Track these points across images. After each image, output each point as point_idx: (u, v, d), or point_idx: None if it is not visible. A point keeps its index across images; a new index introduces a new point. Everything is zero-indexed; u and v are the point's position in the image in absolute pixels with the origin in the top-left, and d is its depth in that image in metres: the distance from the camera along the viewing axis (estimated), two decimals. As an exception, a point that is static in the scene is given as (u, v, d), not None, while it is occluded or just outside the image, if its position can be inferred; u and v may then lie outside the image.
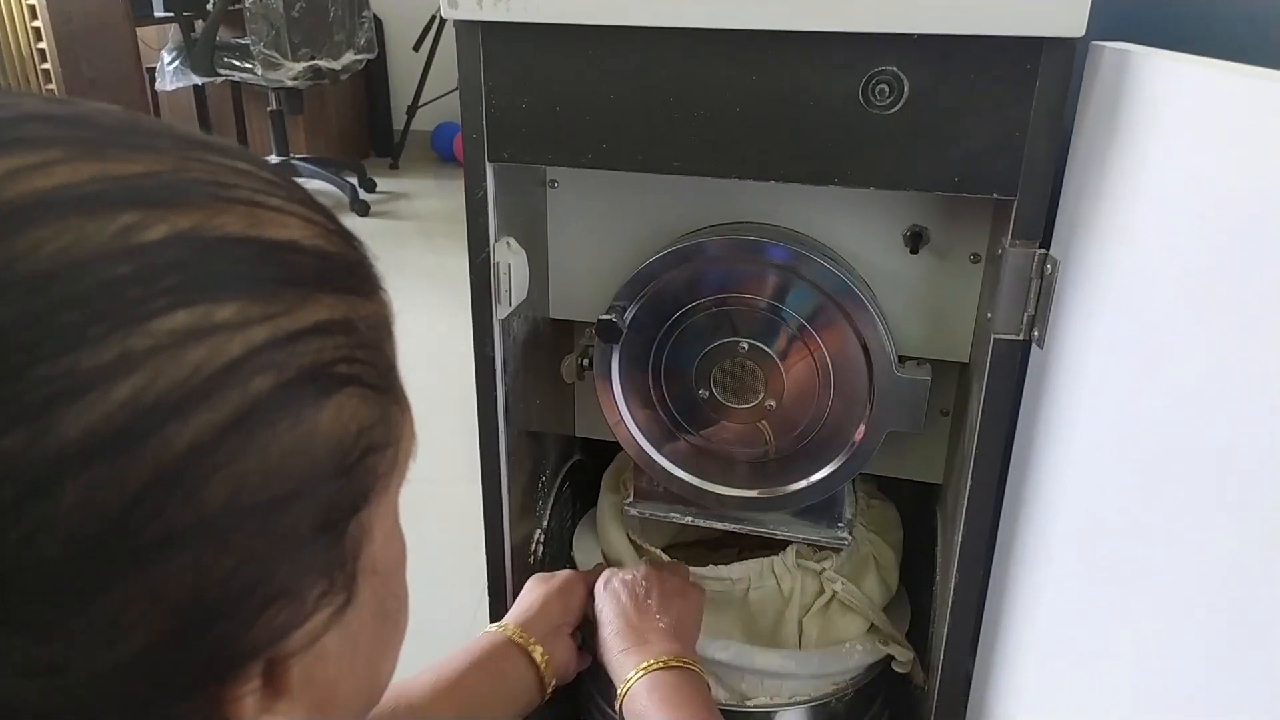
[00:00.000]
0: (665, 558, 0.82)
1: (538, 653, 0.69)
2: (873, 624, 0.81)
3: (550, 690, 0.70)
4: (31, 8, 3.02)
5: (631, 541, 0.85)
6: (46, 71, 3.17)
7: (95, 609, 0.22)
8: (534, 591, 0.75)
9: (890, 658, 0.80)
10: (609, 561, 0.86)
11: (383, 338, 0.30)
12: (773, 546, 0.83)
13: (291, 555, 0.25)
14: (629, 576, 0.75)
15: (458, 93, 0.66)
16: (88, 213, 0.22)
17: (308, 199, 0.29)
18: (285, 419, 0.24)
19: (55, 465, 0.21)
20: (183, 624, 0.23)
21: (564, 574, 0.77)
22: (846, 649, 0.79)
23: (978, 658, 0.74)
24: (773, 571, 0.81)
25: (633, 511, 0.83)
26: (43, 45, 3.06)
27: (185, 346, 0.22)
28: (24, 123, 0.24)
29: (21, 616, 0.21)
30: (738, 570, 0.81)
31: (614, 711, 0.84)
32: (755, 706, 0.79)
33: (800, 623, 0.81)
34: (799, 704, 0.79)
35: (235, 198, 0.26)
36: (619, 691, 0.66)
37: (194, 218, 0.24)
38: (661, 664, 0.66)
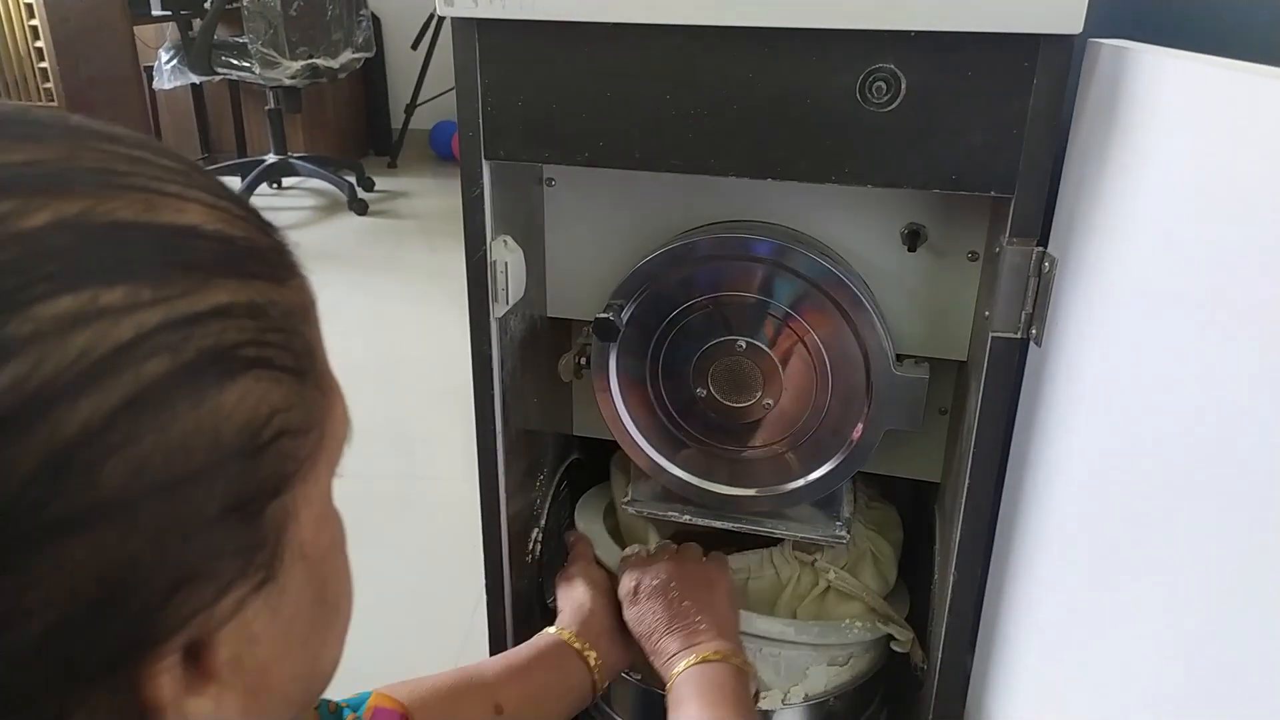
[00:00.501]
0: (673, 546, 0.81)
1: (592, 657, 0.72)
2: (872, 609, 0.81)
3: (602, 691, 0.73)
4: (29, 7, 3.02)
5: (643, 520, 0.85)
6: (44, 70, 3.16)
7: None
8: (585, 593, 0.77)
9: (890, 638, 0.80)
10: (624, 538, 0.87)
11: (299, 323, 0.29)
12: (771, 543, 0.83)
13: (200, 536, 0.25)
14: (655, 582, 0.75)
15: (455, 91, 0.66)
16: None
17: (215, 186, 0.29)
18: (184, 400, 0.24)
19: None
20: (89, 605, 0.23)
21: (593, 577, 0.79)
22: (845, 625, 0.79)
23: (976, 655, 0.74)
24: (772, 562, 0.82)
25: (630, 510, 0.83)
26: (40, 44, 3.05)
27: (70, 331, 0.22)
28: None
29: None
30: (738, 560, 0.81)
31: (609, 709, 0.84)
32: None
33: (795, 612, 0.81)
34: (797, 704, 0.79)
35: (128, 184, 0.25)
36: (667, 688, 0.69)
37: (80, 204, 0.24)
38: (701, 659, 0.68)
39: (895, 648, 0.80)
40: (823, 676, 0.80)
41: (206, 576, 0.26)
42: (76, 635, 0.23)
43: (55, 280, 0.22)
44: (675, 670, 0.68)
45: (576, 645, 0.72)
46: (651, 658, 0.73)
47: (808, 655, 0.79)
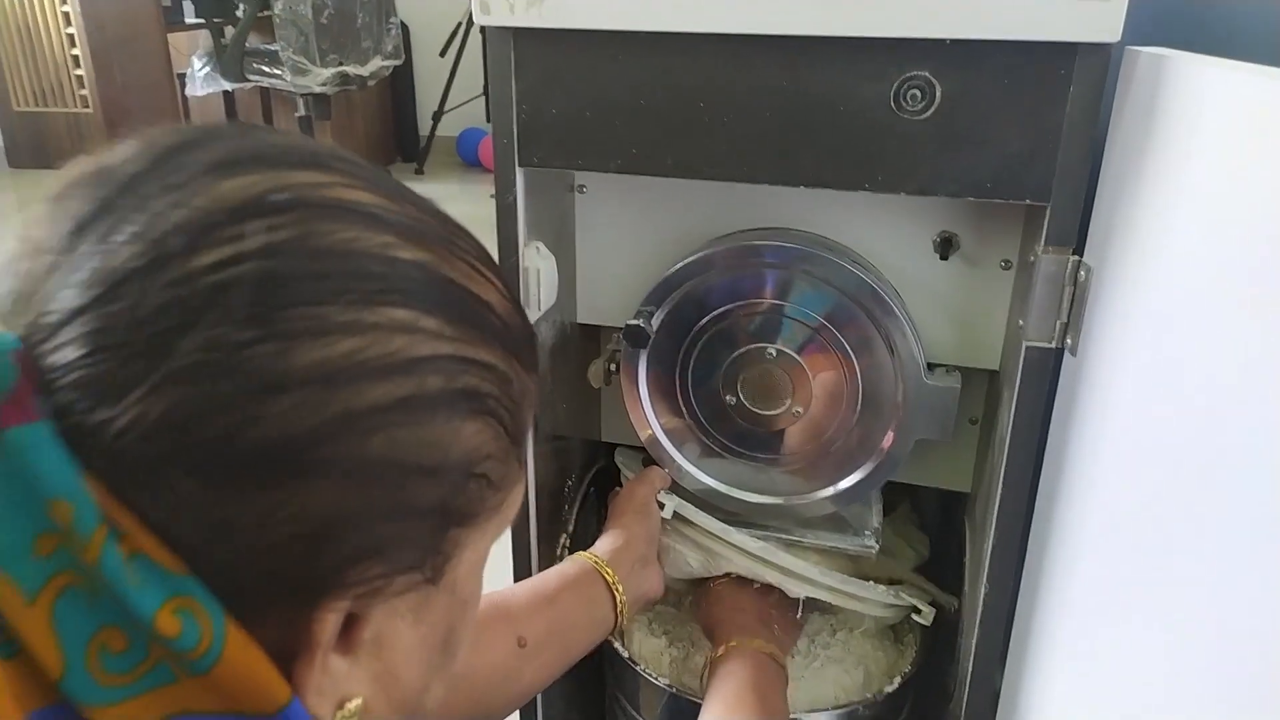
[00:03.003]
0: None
1: (619, 590, 0.72)
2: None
3: (622, 625, 0.73)
4: (66, 15, 3.07)
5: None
6: (80, 77, 3.22)
7: (264, 495, 0.27)
8: (632, 519, 0.77)
9: (915, 609, 0.79)
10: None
11: (525, 405, 0.36)
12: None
13: (406, 520, 0.31)
14: (755, 585, 0.78)
15: (482, 98, 0.67)
16: (367, 225, 0.31)
17: (507, 282, 0.37)
18: (441, 414, 0.31)
19: (286, 377, 0.27)
20: (310, 535, 0.28)
21: (640, 497, 0.79)
22: (870, 584, 0.79)
23: (1006, 670, 0.73)
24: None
25: (662, 514, 0.83)
26: (76, 51, 3.11)
27: (396, 333, 0.30)
28: (335, 158, 0.33)
29: (217, 477, 0.27)
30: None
31: (636, 712, 0.84)
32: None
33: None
34: (824, 710, 0.79)
35: (462, 257, 0.34)
36: (712, 654, 0.72)
37: (433, 255, 0.32)
38: (757, 648, 0.71)
39: (919, 619, 0.79)
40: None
41: (394, 555, 0.31)
42: (293, 555, 0.28)
43: (402, 296, 0.30)
44: (731, 643, 0.71)
45: (607, 575, 0.72)
46: (714, 627, 0.76)
47: (826, 593, 0.78)
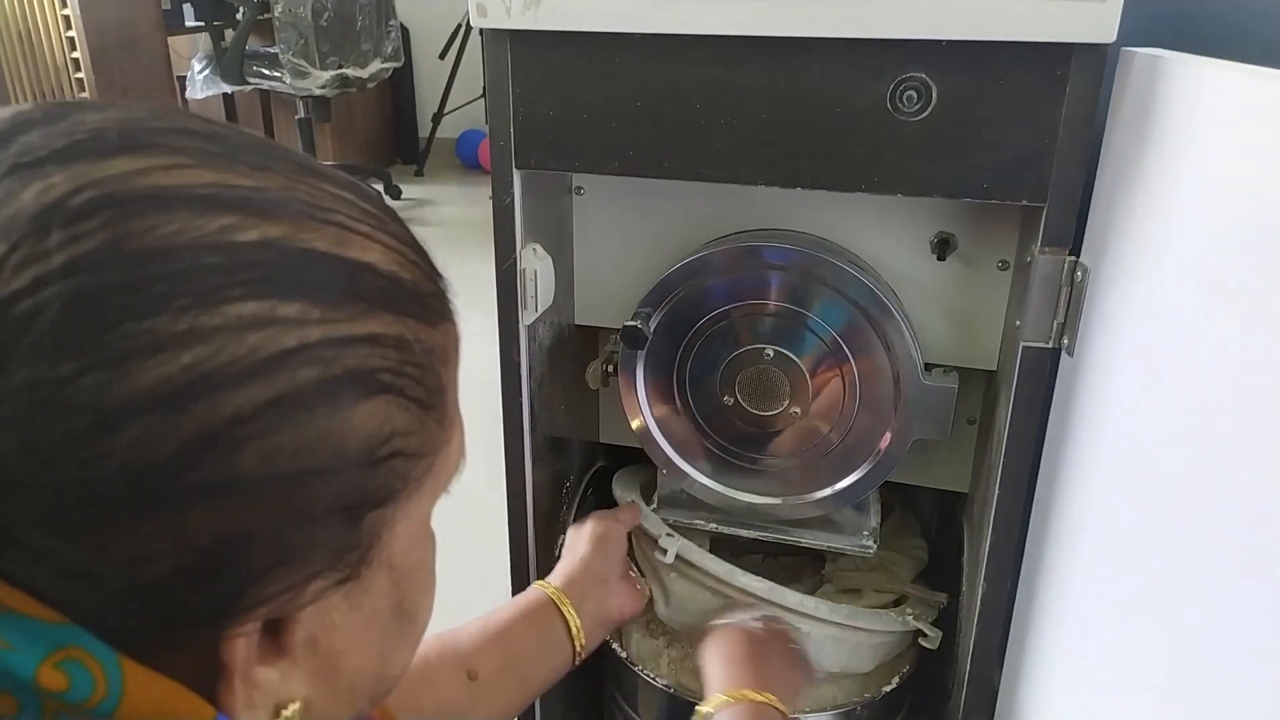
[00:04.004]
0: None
1: (571, 615, 0.70)
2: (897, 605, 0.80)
3: (582, 656, 0.71)
4: (66, 18, 3.08)
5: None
6: (80, 80, 3.22)
7: (132, 532, 0.25)
8: (574, 548, 0.76)
9: (919, 634, 0.79)
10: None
11: (437, 362, 0.33)
12: (798, 552, 0.83)
13: (306, 526, 0.28)
14: (779, 627, 0.74)
15: (482, 100, 0.67)
16: (196, 210, 0.27)
17: (400, 232, 0.33)
18: (322, 408, 0.28)
19: (123, 407, 0.24)
20: (199, 564, 0.26)
21: (597, 524, 0.77)
22: (877, 613, 0.78)
23: (1005, 669, 0.73)
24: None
25: (657, 517, 0.83)
26: (77, 54, 3.11)
27: (247, 331, 0.26)
28: (168, 134, 0.29)
29: (70, 525, 0.25)
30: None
31: (634, 713, 0.84)
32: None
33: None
34: (823, 710, 0.79)
35: (328, 219, 0.30)
36: (706, 701, 0.66)
37: (285, 229, 0.28)
38: (763, 699, 0.65)
39: (925, 643, 0.79)
40: (841, 657, 0.79)
41: (300, 563, 0.29)
42: (180, 588, 0.26)
43: (248, 286, 0.27)
44: (722, 696, 0.66)
45: (559, 602, 0.71)
46: (705, 676, 0.71)
47: (832, 636, 0.78)
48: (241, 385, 0.26)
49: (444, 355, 0.33)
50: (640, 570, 0.81)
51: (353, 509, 0.30)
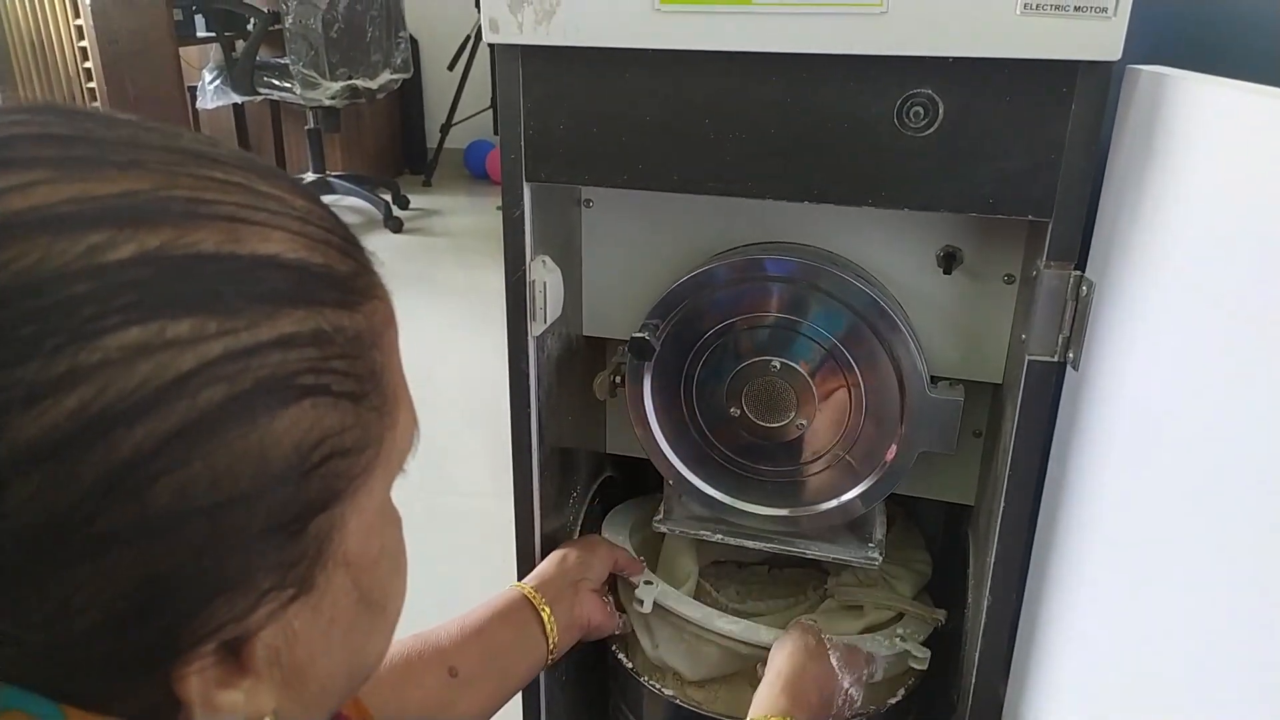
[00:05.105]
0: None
1: (546, 614, 0.71)
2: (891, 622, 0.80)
3: (554, 656, 0.72)
4: (79, 28, 3.10)
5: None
6: (92, 90, 3.24)
7: (46, 591, 0.24)
8: (554, 554, 0.78)
9: (909, 655, 0.79)
10: (658, 558, 0.87)
11: (366, 347, 0.30)
12: (804, 564, 0.83)
13: (239, 553, 0.27)
14: (835, 656, 0.74)
15: (490, 112, 0.67)
16: (56, 232, 0.24)
17: (306, 209, 0.29)
18: (235, 429, 0.25)
19: (7, 465, 0.23)
20: (129, 609, 0.25)
21: (585, 539, 0.80)
22: (869, 637, 0.78)
23: (1010, 682, 0.73)
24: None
25: (663, 529, 0.84)
26: (89, 64, 3.13)
27: (135, 361, 0.24)
28: (14, 143, 0.25)
29: None
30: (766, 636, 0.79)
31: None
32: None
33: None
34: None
35: (215, 214, 0.26)
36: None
37: (164, 235, 0.25)
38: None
39: (915, 665, 0.79)
40: None
41: (243, 589, 0.27)
42: (117, 635, 0.25)
43: (128, 312, 0.24)
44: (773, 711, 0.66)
45: (535, 601, 0.72)
46: (767, 685, 0.70)
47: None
48: (137, 421, 0.23)
49: (373, 337, 0.30)
50: (624, 609, 0.82)
51: (291, 524, 0.28)
